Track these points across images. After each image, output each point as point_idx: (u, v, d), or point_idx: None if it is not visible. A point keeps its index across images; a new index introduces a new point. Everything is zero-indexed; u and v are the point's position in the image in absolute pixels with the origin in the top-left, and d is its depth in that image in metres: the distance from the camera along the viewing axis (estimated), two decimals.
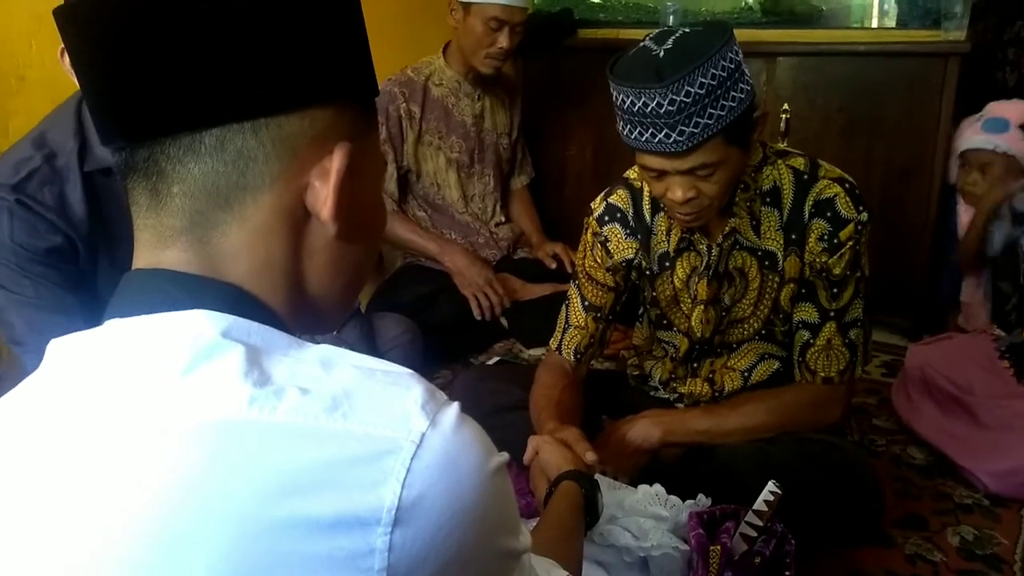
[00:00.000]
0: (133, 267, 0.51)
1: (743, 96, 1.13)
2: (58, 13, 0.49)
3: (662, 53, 1.12)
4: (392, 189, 2.27)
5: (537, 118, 2.74)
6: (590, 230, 1.43)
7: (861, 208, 1.26)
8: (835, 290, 1.30)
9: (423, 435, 0.43)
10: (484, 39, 2.17)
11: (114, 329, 0.48)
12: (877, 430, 1.78)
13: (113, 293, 0.50)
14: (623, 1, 2.93)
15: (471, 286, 2.15)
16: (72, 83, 1.25)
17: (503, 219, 2.46)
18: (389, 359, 0.49)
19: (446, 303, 2.16)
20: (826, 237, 1.27)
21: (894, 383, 1.89)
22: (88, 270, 1.32)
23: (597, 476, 1.10)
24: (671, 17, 2.67)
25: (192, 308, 0.47)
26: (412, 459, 0.42)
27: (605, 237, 1.41)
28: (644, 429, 1.32)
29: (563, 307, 1.48)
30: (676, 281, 1.38)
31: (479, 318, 2.14)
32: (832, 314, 1.31)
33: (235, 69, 0.47)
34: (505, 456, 0.49)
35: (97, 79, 0.49)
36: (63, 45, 0.50)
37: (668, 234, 1.36)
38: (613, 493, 1.12)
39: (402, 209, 2.30)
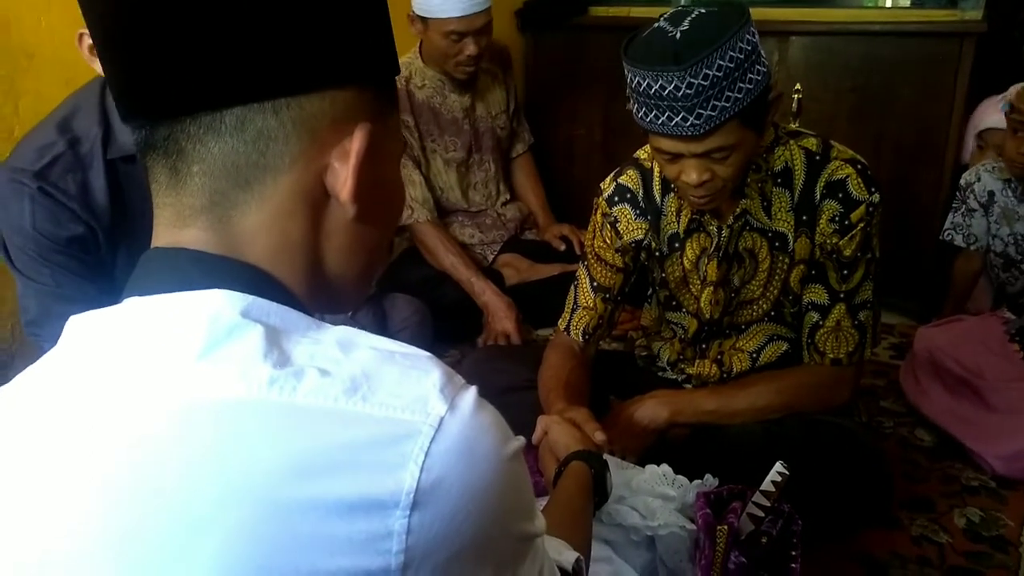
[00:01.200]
0: (152, 245, 0.51)
1: (760, 78, 1.12)
2: None
3: (679, 35, 1.10)
4: (426, 196, 2.21)
5: (546, 97, 2.72)
6: (599, 211, 1.43)
7: (873, 189, 1.26)
8: (845, 272, 1.30)
9: (442, 419, 0.43)
10: (449, 50, 2.10)
11: (133, 307, 0.48)
12: (885, 412, 1.78)
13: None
14: None
15: (495, 327, 2.09)
16: (83, 63, 1.24)
17: (508, 197, 2.44)
18: (399, 340, 0.49)
19: (454, 284, 2.15)
20: (837, 218, 1.26)
21: (902, 365, 1.90)
22: (107, 258, 1.31)
23: (605, 456, 1.11)
24: None
25: (211, 287, 0.47)
26: (431, 443, 0.42)
27: (615, 218, 1.40)
28: (652, 409, 1.33)
29: (572, 287, 1.48)
30: (686, 262, 1.38)
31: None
32: (842, 296, 1.31)
33: (257, 48, 0.46)
34: (522, 440, 0.49)
35: (118, 56, 0.49)
36: (82, 29, 0.50)
37: (678, 215, 1.35)
38: (621, 473, 1.13)
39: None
